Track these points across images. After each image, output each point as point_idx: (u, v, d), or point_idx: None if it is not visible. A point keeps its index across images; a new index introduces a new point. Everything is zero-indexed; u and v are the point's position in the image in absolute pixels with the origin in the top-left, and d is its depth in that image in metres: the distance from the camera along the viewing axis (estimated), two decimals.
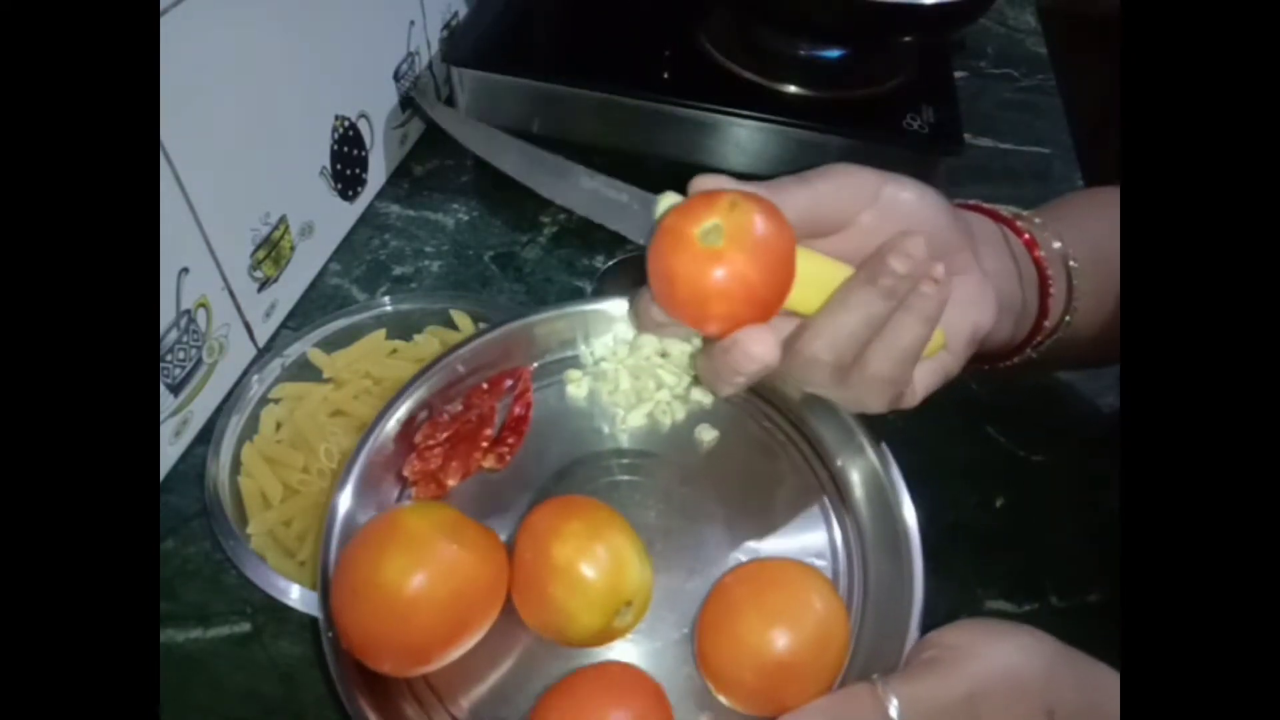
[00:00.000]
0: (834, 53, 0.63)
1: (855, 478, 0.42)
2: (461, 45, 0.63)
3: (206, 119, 0.44)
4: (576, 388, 0.46)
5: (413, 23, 0.65)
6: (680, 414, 0.45)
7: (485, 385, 0.44)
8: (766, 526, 0.41)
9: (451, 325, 0.52)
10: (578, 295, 0.60)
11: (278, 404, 0.48)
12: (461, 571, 0.33)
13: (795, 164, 0.60)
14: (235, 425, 0.47)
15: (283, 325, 0.56)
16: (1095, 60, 0.88)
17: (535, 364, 0.46)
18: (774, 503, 0.42)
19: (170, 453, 0.48)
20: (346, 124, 0.59)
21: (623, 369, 0.46)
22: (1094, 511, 0.49)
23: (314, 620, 0.40)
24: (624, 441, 0.44)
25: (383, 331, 0.52)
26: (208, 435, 0.47)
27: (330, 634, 0.34)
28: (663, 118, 0.60)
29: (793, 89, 0.61)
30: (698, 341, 0.43)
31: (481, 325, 0.52)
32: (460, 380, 0.44)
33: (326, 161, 0.58)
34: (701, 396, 0.46)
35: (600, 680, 0.34)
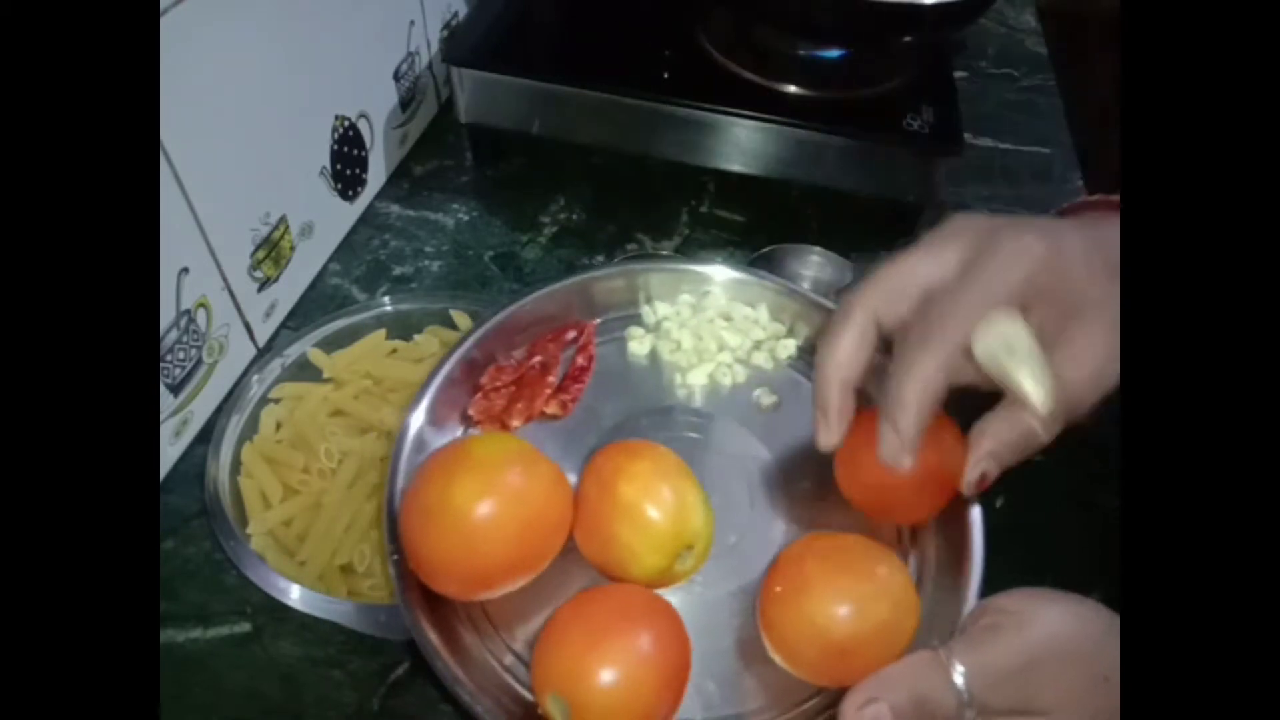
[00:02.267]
0: (834, 53, 0.63)
1: None
2: (461, 45, 0.63)
3: (206, 119, 0.44)
4: (638, 345, 0.46)
5: (413, 23, 0.65)
6: (741, 376, 0.45)
7: (549, 335, 0.45)
8: (822, 491, 0.41)
9: (451, 325, 0.52)
10: None
11: (278, 404, 0.48)
12: (531, 501, 0.34)
13: (795, 164, 0.60)
14: (235, 425, 0.47)
15: (283, 325, 0.56)
16: (1095, 60, 0.88)
17: (598, 320, 0.47)
18: (829, 471, 0.41)
19: (170, 453, 0.48)
20: (346, 124, 0.59)
21: (685, 328, 0.46)
22: (1094, 511, 0.49)
23: (314, 620, 0.41)
24: (683, 400, 0.45)
25: (383, 331, 0.52)
26: (208, 435, 0.47)
27: (395, 556, 0.35)
28: (663, 118, 0.60)
29: (793, 89, 0.60)
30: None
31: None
32: (523, 330, 0.45)
33: (326, 161, 0.58)
34: (763, 361, 0.46)
35: (614, 599, 0.34)
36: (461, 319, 0.52)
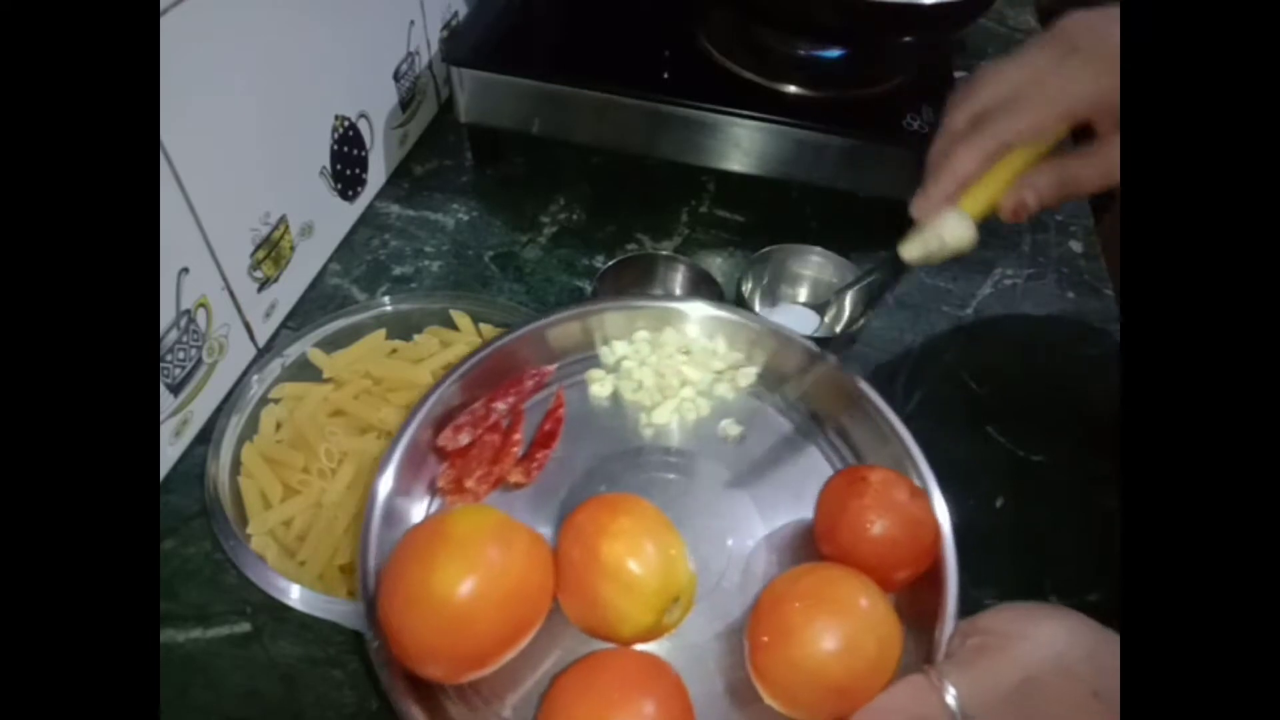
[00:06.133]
0: (834, 53, 0.63)
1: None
2: (461, 45, 0.63)
3: (206, 119, 0.44)
4: (600, 387, 0.46)
5: (413, 23, 0.65)
6: (705, 409, 0.45)
7: (507, 385, 0.44)
8: (798, 521, 0.41)
9: (451, 325, 0.52)
10: (578, 295, 0.60)
11: (278, 404, 0.48)
12: (513, 576, 0.33)
13: (795, 163, 0.60)
14: (235, 425, 0.47)
15: (283, 325, 0.56)
16: None
17: (556, 365, 0.46)
18: (804, 498, 0.41)
19: (170, 453, 0.48)
20: (346, 124, 0.59)
21: (645, 366, 0.46)
22: (1094, 511, 0.49)
23: (314, 620, 0.41)
24: (650, 439, 0.44)
25: (383, 331, 0.52)
26: (208, 435, 0.47)
27: (376, 643, 0.34)
28: (663, 118, 0.60)
29: (793, 89, 0.61)
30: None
31: (484, 325, 0.52)
32: (480, 386, 0.44)
33: (326, 161, 0.58)
34: (725, 392, 0.45)
35: (618, 666, 0.34)
36: (461, 319, 0.52)
